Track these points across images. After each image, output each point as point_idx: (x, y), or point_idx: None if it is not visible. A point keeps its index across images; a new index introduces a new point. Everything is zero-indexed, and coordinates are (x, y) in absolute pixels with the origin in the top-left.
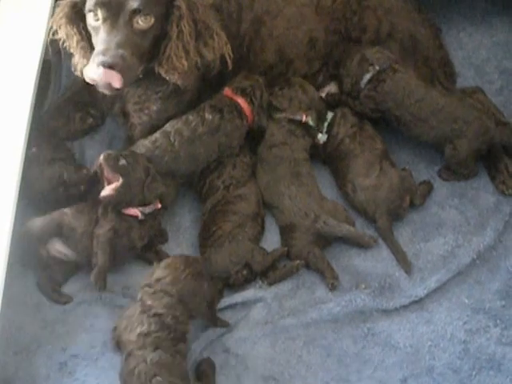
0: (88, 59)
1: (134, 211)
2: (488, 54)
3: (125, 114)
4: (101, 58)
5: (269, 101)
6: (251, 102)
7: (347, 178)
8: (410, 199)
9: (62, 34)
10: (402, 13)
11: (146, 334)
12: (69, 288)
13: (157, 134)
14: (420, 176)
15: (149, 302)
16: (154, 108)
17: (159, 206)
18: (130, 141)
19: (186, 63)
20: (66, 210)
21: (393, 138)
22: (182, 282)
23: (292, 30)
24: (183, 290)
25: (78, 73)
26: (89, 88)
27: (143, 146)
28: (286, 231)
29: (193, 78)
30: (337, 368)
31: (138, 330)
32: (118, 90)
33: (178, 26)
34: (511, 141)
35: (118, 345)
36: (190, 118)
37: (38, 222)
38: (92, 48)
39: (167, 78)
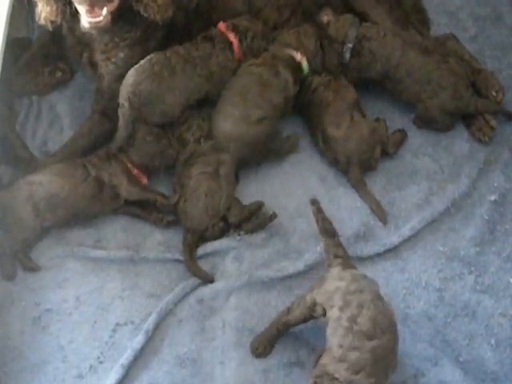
0: (52, 6)
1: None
2: (462, 1)
3: (92, 65)
4: None
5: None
6: (241, 41)
7: (319, 128)
8: (383, 149)
9: None
10: None
11: None
12: (41, 243)
13: (149, 56)
14: (394, 124)
15: None
16: (122, 55)
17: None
18: (99, 93)
19: None
20: (38, 179)
21: (368, 86)
22: None
23: None
24: None
25: (42, 21)
26: (56, 40)
27: (139, 67)
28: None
29: (171, 11)
30: None
31: None
32: (102, 25)
33: None
34: (488, 111)
35: None
36: (185, 44)
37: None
38: None
39: (146, 14)
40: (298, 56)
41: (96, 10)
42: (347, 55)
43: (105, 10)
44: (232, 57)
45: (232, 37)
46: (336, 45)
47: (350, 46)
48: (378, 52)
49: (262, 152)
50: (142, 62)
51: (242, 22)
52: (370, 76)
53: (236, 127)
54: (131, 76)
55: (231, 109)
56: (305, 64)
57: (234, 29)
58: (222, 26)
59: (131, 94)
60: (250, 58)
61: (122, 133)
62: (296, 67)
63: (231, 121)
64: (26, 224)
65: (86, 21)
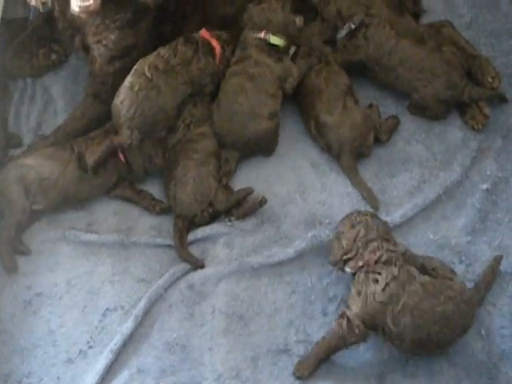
0: None
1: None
2: None
3: (85, 48)
4: None
5: None
6: (223, 48)
7: (311, 115)
8: (376, 135)
9: None
10: None
11: None
12: (33, 227)
13: (129, 79)
14: (388, 110)
15: None
16: (113, 38)
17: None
18: (92, 76)
19: None
20: (29, 162)
21: (361, 73)
22: None
23: None
24: None
25: (33, 3)
26: (50, 22)
27: (124, 100)
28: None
29: None
30: (302, 305)
31: None
32: (92, 9)
33: None
34: (482, 98)
35: None
36: (162, 51)
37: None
38: None
39: None
40: (262, 35)
41: None
42: (343, 33)
43: None
44: (213, 61)
45: (216, 44)
46: (338, 21)
47: (353, 27)
48: (372, 39)
49: (269, 146)
50: (123, 91)
51: (224, 35)
52: (359, 58)
53: (248, 126)
54: (120, 111)
55: (237, 107)
56: (273, 39)
57: (217, 37)
58: (205, 33)
59: (129, 129)
60: (227, 67)
61: (137, 165)
62: (267, 46)
63: (241, 120)
64: (16, 205)
65: (75, 4)
